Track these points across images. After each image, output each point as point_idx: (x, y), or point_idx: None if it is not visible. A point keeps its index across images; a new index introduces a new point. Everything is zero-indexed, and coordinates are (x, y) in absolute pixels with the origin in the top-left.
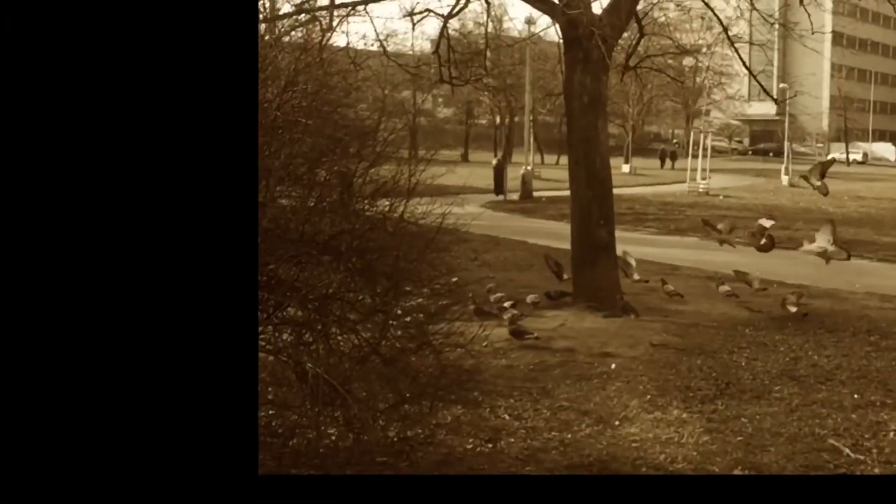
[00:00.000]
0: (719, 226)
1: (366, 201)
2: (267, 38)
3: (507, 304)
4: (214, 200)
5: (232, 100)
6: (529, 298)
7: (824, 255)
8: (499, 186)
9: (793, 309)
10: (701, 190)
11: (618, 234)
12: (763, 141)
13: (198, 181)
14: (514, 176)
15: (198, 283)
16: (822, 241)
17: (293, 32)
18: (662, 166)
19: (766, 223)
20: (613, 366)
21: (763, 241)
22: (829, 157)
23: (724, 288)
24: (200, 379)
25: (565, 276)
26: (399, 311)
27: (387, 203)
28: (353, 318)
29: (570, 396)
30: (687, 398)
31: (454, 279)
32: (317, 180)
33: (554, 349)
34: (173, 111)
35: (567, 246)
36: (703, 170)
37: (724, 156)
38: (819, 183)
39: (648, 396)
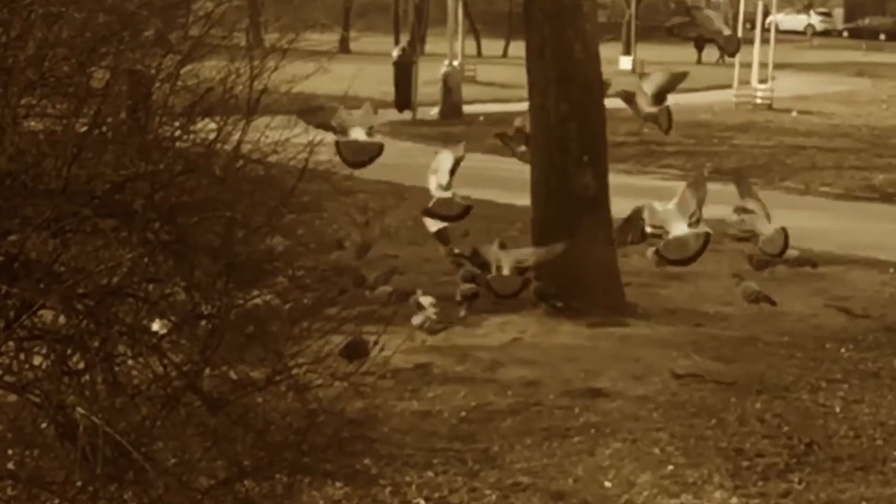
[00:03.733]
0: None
1: (176, 124)
2: None
3: (424, 302)
4: None
5: None
6: (462, 290)
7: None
8: (403, 96)
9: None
10: (759, 101)
11: (614, 179)
12: (867, 13)
13: None
14: (430, 78)
15: None
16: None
17: None
18: (700, 59)
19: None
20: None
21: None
22: None
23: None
24: None
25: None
26: (234, 316)
27: (213, 127)
28: (156, 329)
29: (531, 466)
30: (738, 470)
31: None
32: (91, 88)
33: (503, 383)
34: None
35: (524, 201)
36: (763, 65)
37: (799, 42)
38: None
39: (670, 467)
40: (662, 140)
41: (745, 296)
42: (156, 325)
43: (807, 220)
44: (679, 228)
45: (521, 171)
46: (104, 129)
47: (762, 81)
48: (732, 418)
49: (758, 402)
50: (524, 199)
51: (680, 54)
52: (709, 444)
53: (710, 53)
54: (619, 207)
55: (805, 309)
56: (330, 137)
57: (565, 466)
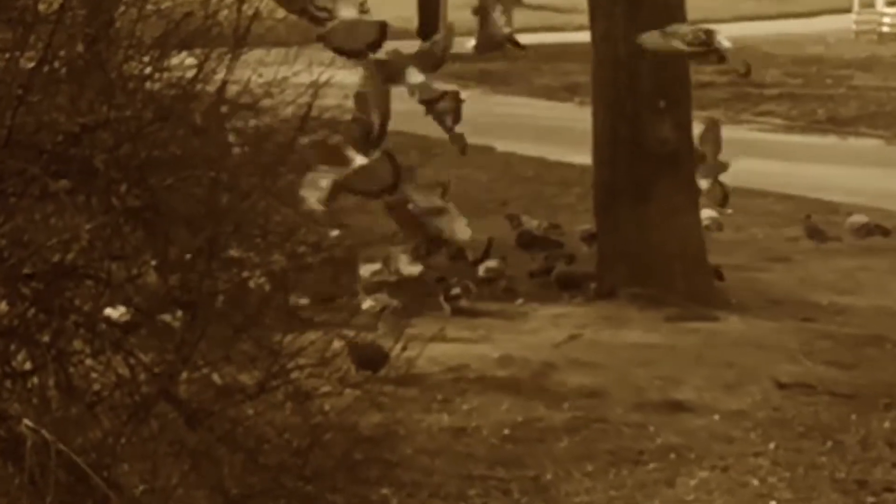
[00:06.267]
0: None
1: (146, 59)
2: None
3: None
4: None
5: None
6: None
7: None
8: (430, 23)
9: None
10: (886, 28)
11: (699, 130)
12: None
13: None
14: (461, 0)
15: None
16: None
17: None
18: None
19: None
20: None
21: None
22: None
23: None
24: None
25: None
26: (219, 303)
27: (192, 63)
28: (121, 319)
29: (593, 500)
30: None
31: (335, 232)
32: (40, 13)
33: (557, 392)
34: None
35: (584, 159)
36: None
37: None
38: None
39: (773, 503)
40: (761, 80)
41: None
42: (115, 313)
43: None
44: None
45: (579, 119)
46: (56, 64)
47: (890, 4)
48: (853, 441)
49: (886, 421)
50: (584, 156)
51: None
52: (822, 474)
53: None
54: None
55: None
56: (342, 76)
57: (637, 500)
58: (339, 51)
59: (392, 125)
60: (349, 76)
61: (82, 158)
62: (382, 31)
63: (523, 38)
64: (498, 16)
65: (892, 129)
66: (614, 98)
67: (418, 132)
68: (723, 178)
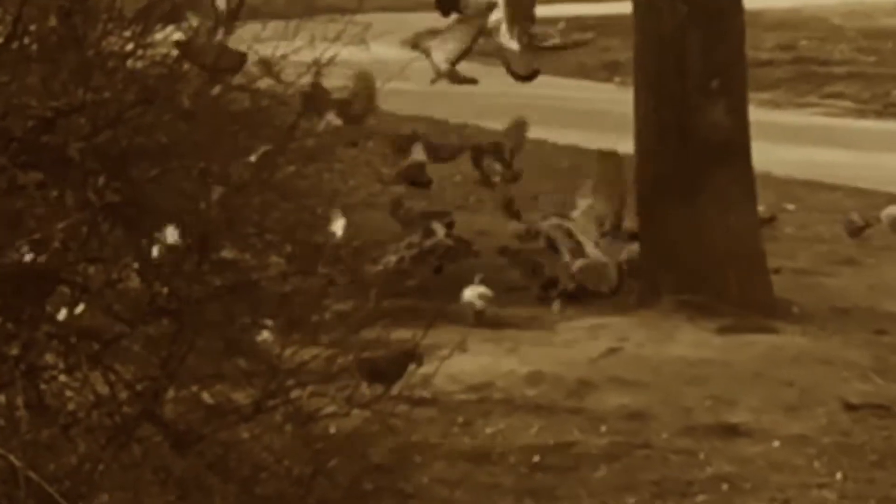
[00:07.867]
0: None
1: (127, 34)
2: None
3: (477, 291)
4: None
5: None
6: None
7: None
8: None
9: None
10: None
11: (756, 114)
12: None
13: None
14: None
15: None
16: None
17: None
18: None
19: None
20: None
21: None
22: None
23: None
24: None
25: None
26: (210, 312)
27: (178, 35)
28: (96, 327)
29: None
30: None
31: (340, 232)
32: None
33: (595, 414)
34: None
35: (625, 148)
36: None
37: None
38: None
39: None
40: (828, 58)
41: None
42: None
43: None
44: None
45: (620, 102)
46: (26, 41)
47: None
48: None
49: None
50: (625, 144)
51: None
52: None
53: None
54: (764, 157)
55: None
56: (350, 53)
57: None
58: (204, 67)
59: (403, 107)
60: (356, 53)
61: (56, 147)
62: (242, 61)
63: (554, 10)
64: None
65: None
66: (659, 78)
67: (435, 116)
68: (786, 169)
